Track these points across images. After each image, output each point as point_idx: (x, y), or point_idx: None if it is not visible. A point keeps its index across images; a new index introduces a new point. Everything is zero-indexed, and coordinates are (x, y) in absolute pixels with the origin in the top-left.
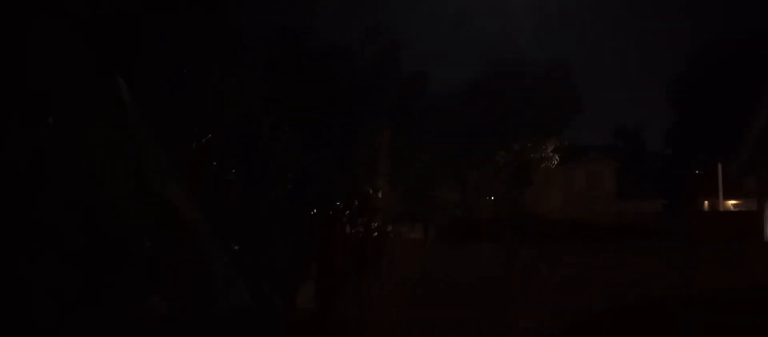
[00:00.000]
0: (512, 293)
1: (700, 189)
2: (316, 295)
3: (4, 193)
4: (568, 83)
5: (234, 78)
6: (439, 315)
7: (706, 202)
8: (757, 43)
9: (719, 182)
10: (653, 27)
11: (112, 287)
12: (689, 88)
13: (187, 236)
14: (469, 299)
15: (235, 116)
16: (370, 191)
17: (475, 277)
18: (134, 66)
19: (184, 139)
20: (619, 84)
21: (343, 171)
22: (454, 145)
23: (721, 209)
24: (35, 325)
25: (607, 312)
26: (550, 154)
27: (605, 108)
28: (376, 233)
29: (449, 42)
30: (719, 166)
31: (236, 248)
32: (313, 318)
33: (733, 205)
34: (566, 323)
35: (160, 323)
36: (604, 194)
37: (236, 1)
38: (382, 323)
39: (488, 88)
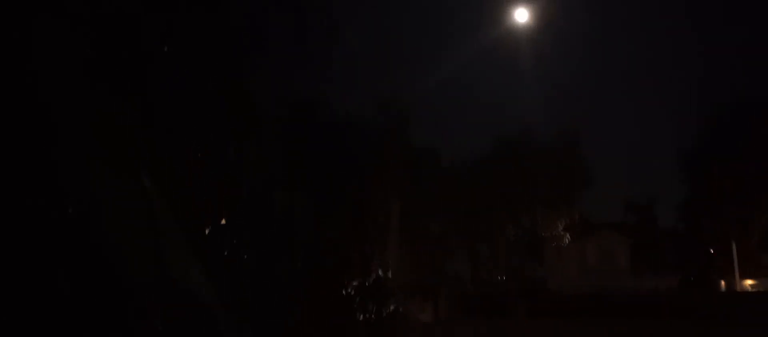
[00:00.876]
0: None
1: (715, 267)
2: None
3: (26, 261)
4: (577, 156)
5: (249, 151)
6: None
7: (722, 281)
8: None
9: (735, 260)
10: (664, 99)
11: None
12: (700, 162)
13: (203, 322)
14: None
15: (249, 191)
16: (381, 273)
17: None
18: (156, 148)
19: (202, 221)
20: (630, 157)
21: (355, 245)
22: (464, 218)
23: (739, 288)
24: None
25: None
26: (562, 233)
27: (616, 181)
28: (388, 319)
29: (459, 114)
30: (733, 244)
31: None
32: None
33: (751, 285)
34: None
35: None
36: (618, 269)
37: (250, 73)
38: None
39: (498, 161)
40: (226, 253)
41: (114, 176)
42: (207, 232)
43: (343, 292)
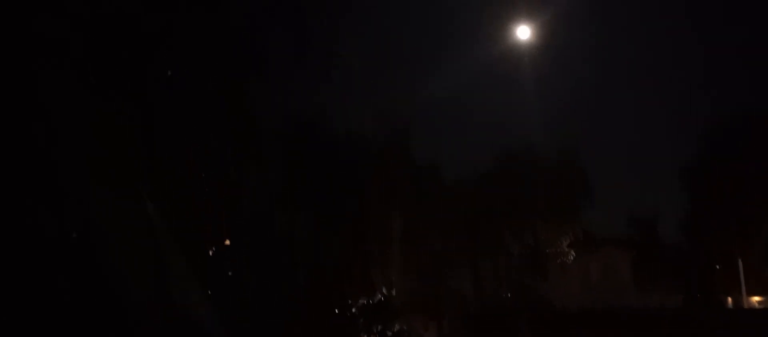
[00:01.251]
0: None
1: (721, 283)
2: None
3: (27, 273)
4: (579, 171)
5: (250, 171)
6: None
7: (729, 298)
8: None
9: (741, 276)
10: (665, 112)
11: None
12: (702, 177)
13: None
14: None
15: (251, 212)
16: (385, 291)
17: None
18: (158, 170)
19: (204, 241)
20: (632, 172)
21: (358, 263)
22: (466, 233)
23: (746, 305)
24: None
25: None
26: (566, 250)
27: (619, 196)
28: None
29: (461, 128)
30: (739, 260)
31: None
32: None
33: (758, 302)
34: None
35: None
36: (622, 286)
37: (251, 92)
38: None
39: (499, 175)
40: (228, 273)
41: (116, 198)
42: (210, 252)
43: (347, 312)
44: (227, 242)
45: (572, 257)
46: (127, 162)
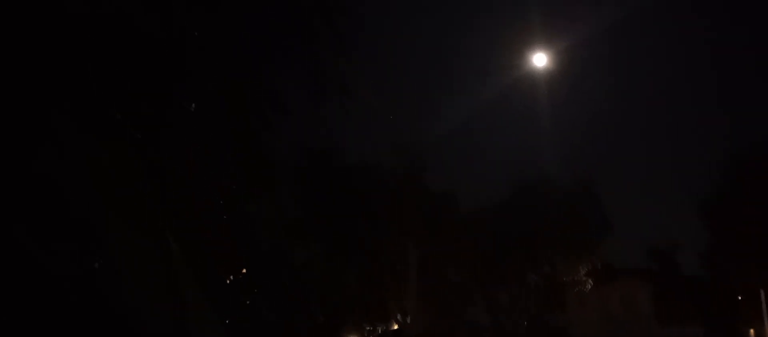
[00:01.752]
0: None
1: (743, 315)
2: None
3: (49, 308)
4: (597, 202)
5: (266, 205)
6: None
7: (752, 330)
8: None
9: (763, 308)
10: (684, 142)
11: None
12: (723, 206)
13: None
14: None
15: (268, 245)
16: (400, 318)
17: None
18: (176, 205)
19: (222, 274)
20: (651, 202)
21: (374, 293)
22: (482, 264)
23: None
24: None
25: None
26: (584, 278)
27: (638, 227)
28: None
29: (477, 159)
30: (762, 292)
31: None
32: None
33: None
34: None
35: None
36: (642, 317)
37: (267, 124)
38: None
39: (516, 206)
40: (245, 305)
41: (135, 235)
42: (227, 282)
43: None
44: (244, 271)
45: (590, 286)
46: (144, 196)
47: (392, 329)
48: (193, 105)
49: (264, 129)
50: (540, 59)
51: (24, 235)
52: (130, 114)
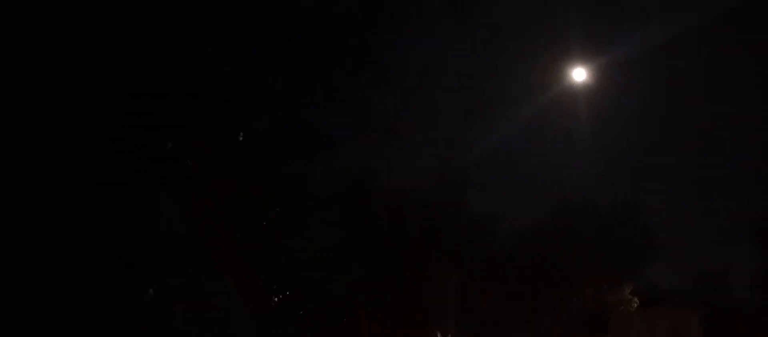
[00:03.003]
0: None
1: None
2: None
3: None
4: (642, 224)
5: (305, 233)
6: None
7: None
8: None
9: None
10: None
11: None
12: None
13: None
14: None
15: (308, 277)
16: None
17: None
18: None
19: (263, 303)
20: (699, 225)
21: (414, 319)
22: (524, 290)
23: None
24: None
25: None
26: (628, 297)
27: (685, 250)
28: None
29: (517, 180)
30: None
31: None
32: None
33: None
34: None
35: None
36: None
37: (311, 158)
38: None
39: (557, 229)
40: (288, 330)
41: (188, 272)
42: (268, 315)
43: None
44: (283, 300)
45: (635, 305)
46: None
47: None
48: (241, 135)
49: (307, 163)
50: (579, 74)
51: (64, 278)
52: (177, 148)
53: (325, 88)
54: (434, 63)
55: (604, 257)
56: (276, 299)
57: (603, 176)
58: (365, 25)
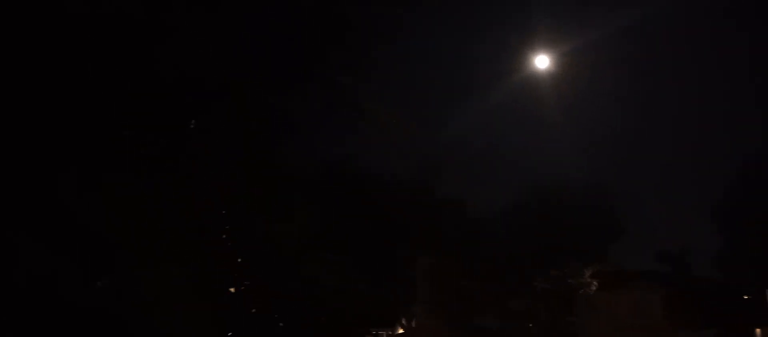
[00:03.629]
0: None
1: (753, 317)
2: None
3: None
4: (607, 206)
5: (276, 217)
6: None
7: (758, 330)
8: None
9: None
10: (695, 146)
11: None
12: (735, 209)
13: None
14: None
15: (278, 257)
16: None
17: None
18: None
19: (233, 290)
20: (662, 207)
21: (383, 299)
22: (492, 270)
23: None
24: None
25: None
26: (589, 280)
27: (648, 232)
28: None
29: (487, 165)
30: None
31: None
32: None
33: None
34: None
35: None
36: (652, 322)
37: (278, 141)
38: None
39: (525, 211)
40: (254, 315)
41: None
42: (239, 298)
43: None
44: (242, 287)
45: (595, 288)
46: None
47: (397, 333)
48: (193, 122)
49: (275, 146)
50: (543, 61)
51: (36, 259)
52: (144, 136)
53: (296, 73)
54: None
55: (569, 238)
56: (246, 283)
57: (573, 159)
58: (335, 13)
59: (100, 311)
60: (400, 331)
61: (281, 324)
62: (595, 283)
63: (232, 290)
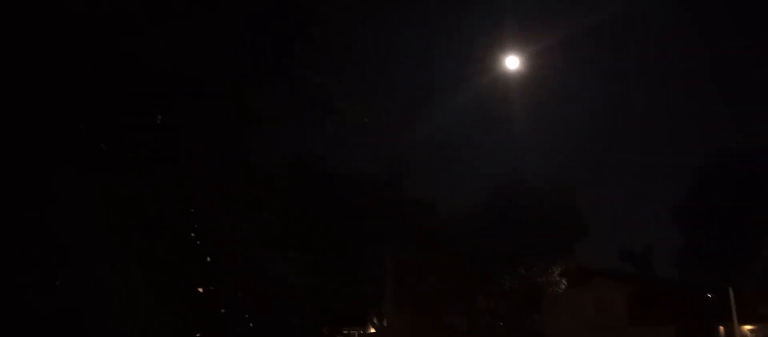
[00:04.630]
0: None
1: (714, 314)
2: None
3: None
4: (572, 206)
5: (242, 216)
6: None
7: (721, 327)
8: (766, 161)
9: (733, 306)
10: (657, 147)
11: None
12: (696, 209)
13: None
14: None
15: (245, 257)
16: (377, 321)
17: None
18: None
19: (197, 291)
20: (625, 206)
21: (352, 299)
22: (460, 269)
23: (738, 334)
24: None
25: None
26: (557, 278)
27: (611, 231)
28: None
29: (454, 164)
30: (731, 291)
31: None
32: None
33: (750, 330)
34: None
35: None
36: (615, 319)
37: (243, 138)
38: None
39: (493, 211)
40: (218, 318)
41: (107, 256)
42: (199, 296)
43: None
44: (207, 289)
45: (563, 286)
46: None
47: (369, 333)
48: (160, 117)
49: (240, 144)
50: (512, 62)
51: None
52: (105, 132)
53: (260, 68)
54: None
55: (536, 238)
56: (209, 286)
57: (539, 159)
58: (301, 7)
59: (57, 311)
60: (372, 330)
61: (251, 324)
62: (563, 282)
63: (201, 290)
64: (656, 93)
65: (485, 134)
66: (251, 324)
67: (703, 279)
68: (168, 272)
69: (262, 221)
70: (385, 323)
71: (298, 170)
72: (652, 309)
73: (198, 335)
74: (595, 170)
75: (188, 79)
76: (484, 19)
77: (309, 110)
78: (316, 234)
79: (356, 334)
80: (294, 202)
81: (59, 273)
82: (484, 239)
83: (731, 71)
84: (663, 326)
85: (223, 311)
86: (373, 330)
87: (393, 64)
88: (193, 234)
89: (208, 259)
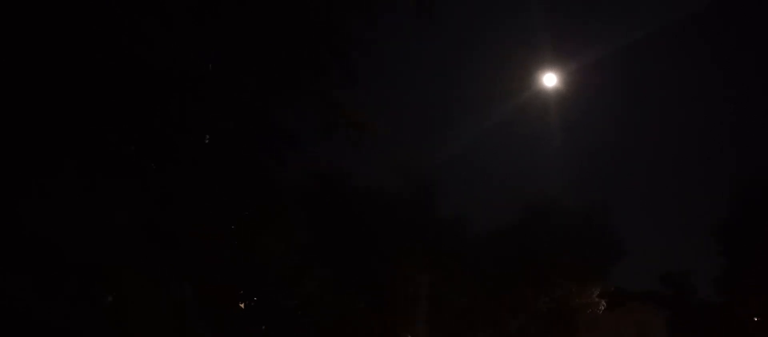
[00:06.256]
0: None
1: None
2: None
3: None
4: (607, 226)
5: (272, 234)
6: None
7: None
8: None
9: None
10: (696, 166)
11: None
12: (739, 232)
13: None
14: None
15: (275, 277)
16: None
17: None
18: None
19: (228, 308)
20: (664, 227)
21: (381, 319)
22: (491, 289)
23: None
24: None
25: None
26: (596, 300)
27: (650, 252)
28: None
29: (486, 183)
30: None
31: None
32: None
33: None
34: None
35: None
36: None
37: (277, 158)
38: None
39: (526, 231)
40: (252, 332)
41: (143, 278)
42: (233, 315)
43: None
44: (249, 304)
45: (603, 308)
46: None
47: None
48: (207, 137)
49: (275, 163)
50: (550, 80)
51: (18, 286)
52: (141, 148)
53: (294, 88)
54: (405, 65)
55: (572, 259)
56: (244, 303)
57: (573, 178)
58: (334, 25)
59: (59, 317)
60: None
61: None
62: (603, 303)
63: (235, 308)
64: (695, 110)
65: (518, 152)
66: None
67: (748, 303)
68: (201, 292)
69: (293, 241)
70: None
71: (328, 187)
72: (694, 334)
73: None
74: (633, 190)
75: (223, 98)
76: (519, 38)
77: (341, 129)
78: (346, 254)
79: None
80: (325, 221)
81: (63, 279)
82: (515, 259)
83: None
84: None
85: (254, 331)
86: None
87: (428, 80)
88: (226, 254)
89: (239, 278)
